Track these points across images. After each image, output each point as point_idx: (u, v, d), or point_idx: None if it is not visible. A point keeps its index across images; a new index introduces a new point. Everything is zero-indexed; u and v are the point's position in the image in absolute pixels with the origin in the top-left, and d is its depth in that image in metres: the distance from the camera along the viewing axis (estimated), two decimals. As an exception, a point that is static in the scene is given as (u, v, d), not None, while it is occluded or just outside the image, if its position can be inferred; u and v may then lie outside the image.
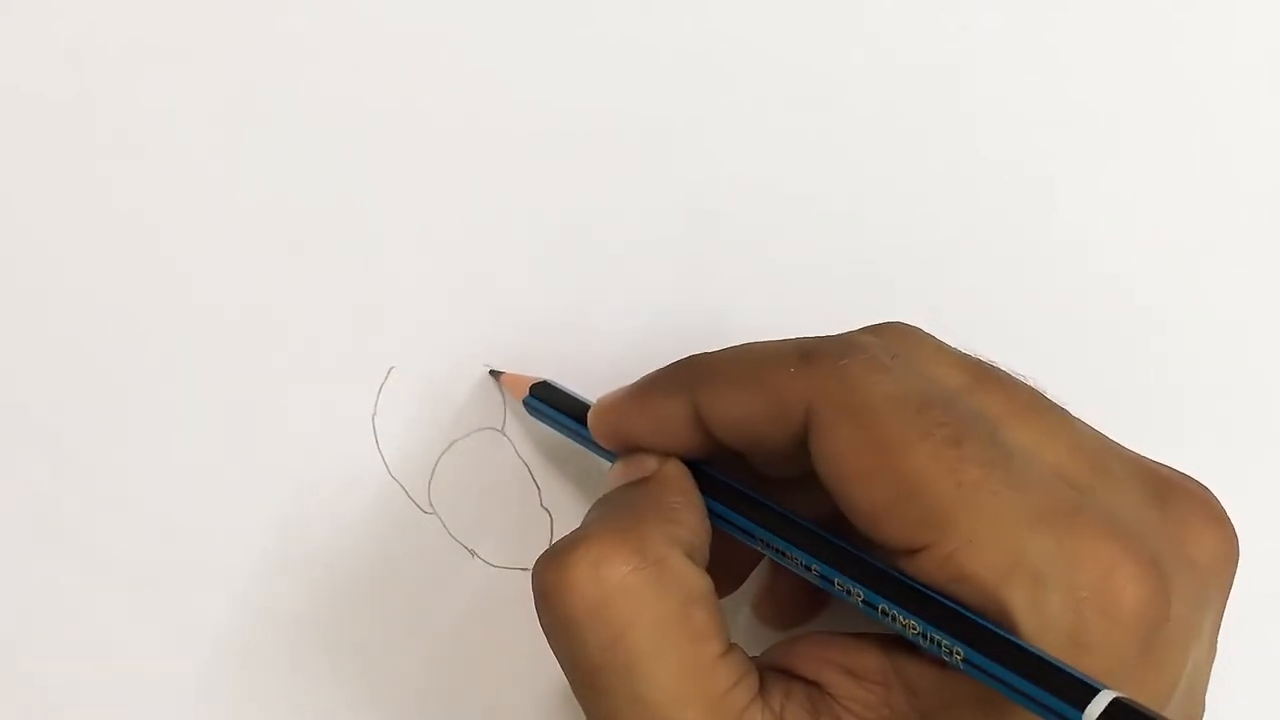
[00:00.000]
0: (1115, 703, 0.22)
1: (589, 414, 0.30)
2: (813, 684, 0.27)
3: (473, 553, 0.34)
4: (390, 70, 0.34)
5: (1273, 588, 0.36)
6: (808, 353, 0.27)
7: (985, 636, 0.24)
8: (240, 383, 0.34)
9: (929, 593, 0.25)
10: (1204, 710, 0.28)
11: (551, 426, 0.33)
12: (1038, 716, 0.24)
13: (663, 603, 0.26)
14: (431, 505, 0.34)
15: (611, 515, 0.28)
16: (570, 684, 0.26)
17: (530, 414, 0.34)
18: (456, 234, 0.35)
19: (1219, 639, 0.28)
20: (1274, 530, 0.37)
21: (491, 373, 0.34)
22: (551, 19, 0.35)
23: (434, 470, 0.34)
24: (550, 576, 0.26)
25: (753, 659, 0.27)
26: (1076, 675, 0.23)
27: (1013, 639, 0.24)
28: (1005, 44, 0.37)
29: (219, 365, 0.34)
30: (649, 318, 0.35)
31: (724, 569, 0.30)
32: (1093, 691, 0.23)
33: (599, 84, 0.35)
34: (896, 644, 0.26)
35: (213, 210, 0.34)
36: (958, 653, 0.24)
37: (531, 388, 0.33)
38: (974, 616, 0.24)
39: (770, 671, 0.27)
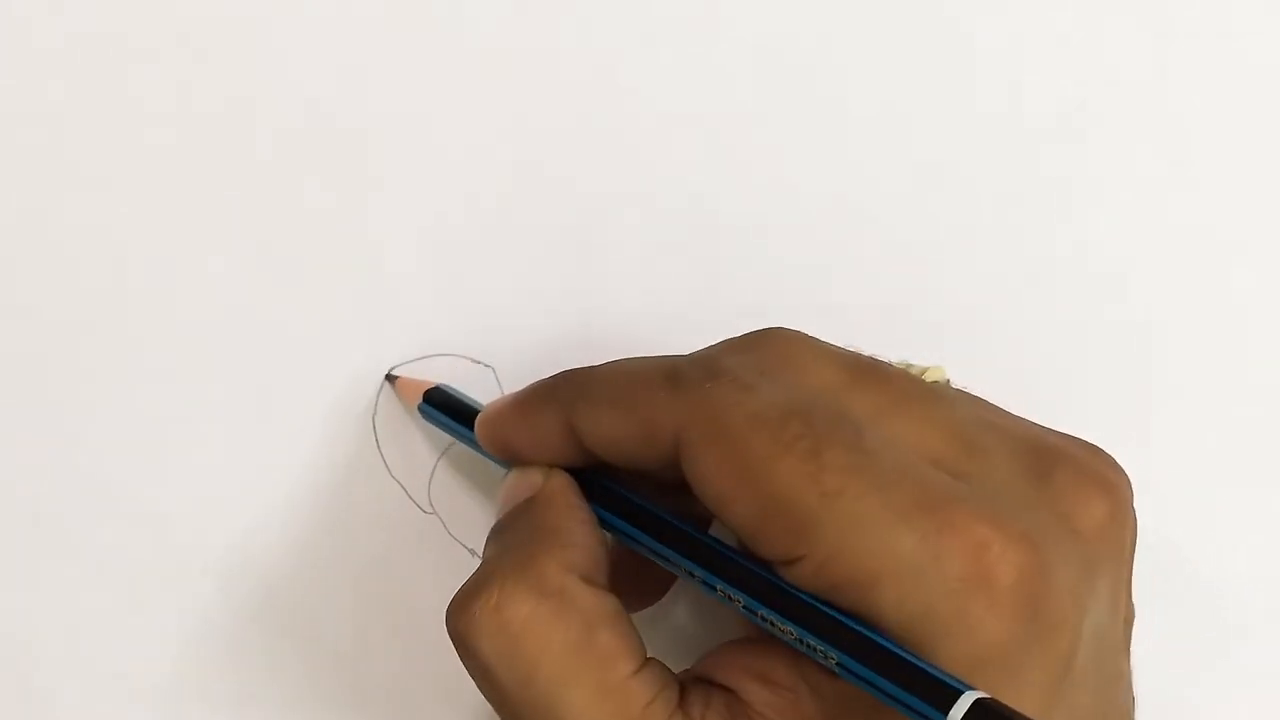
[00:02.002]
0: (978, 704, 0.23)
1: (475, 422, 0.31)
2: (731, 691, 0.27)
3: (473, 552, 0.34)
4: (390, 70, 0.34)
5: (1273, 587, 0.36)
6: (674, 376, 0.27)
7: (854, 640, 0.24)
8: (239, 383, 0.34)
9: (802, 598, 0.25)
10: (1130, 673, 0.28)
11: (446, 433, 0.33)
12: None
13: (567, 633, 0.26)
14: (431, 505, 0.34)
15: (506, 551, 0.28)
16: None
17: (425, 420, 0.33)
18: (456, 234, 0.35)
19: (1136, 601, 0.28)
20: (1274, 529, 0.37)
21: (388, 378, 0.34)
22: (552, 19, 0.35)
23: (434, 470, 0.34)
24: (459, 623, 0.27)
25: (683, 670, 0.28)
26: (939, 676, 0.23)
27: (879, 641, 0.24)
28: (1005, 44, 0.37)
29: (218, 365, 0.34)
30: (649, 317, 0.35)
31: (642, 582, 0.31)
32: (957, 693, 0.23)
33: (599, 84, 0.35)
34: None
35: (211, 211, 0.34)
36: (831, 657, 0.25)
37: (425, 394, 0.33)
38: (844, 620, 0.25)
39: (694, 682, 0.28)
